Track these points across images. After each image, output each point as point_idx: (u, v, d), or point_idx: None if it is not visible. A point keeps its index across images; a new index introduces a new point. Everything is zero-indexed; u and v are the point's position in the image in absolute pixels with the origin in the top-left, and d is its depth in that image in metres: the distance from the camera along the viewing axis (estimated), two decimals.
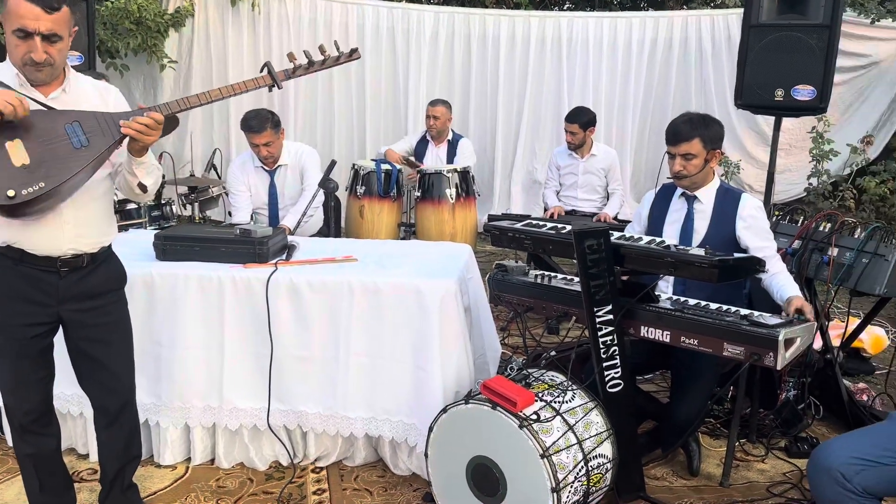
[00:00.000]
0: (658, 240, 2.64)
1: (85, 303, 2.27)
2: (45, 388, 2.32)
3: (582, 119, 5.14)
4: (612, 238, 2.57)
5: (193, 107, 2.24)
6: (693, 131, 2.89)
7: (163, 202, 4.60)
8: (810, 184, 7.14)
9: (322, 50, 2.35)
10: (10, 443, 2.89)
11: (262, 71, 2.30)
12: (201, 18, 7.06)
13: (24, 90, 2.10)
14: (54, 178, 2.01)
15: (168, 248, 2.98)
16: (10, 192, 1.96)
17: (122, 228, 3.79)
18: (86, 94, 2.23)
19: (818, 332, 3.29)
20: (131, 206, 4.27)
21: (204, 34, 7.11)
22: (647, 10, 9.17)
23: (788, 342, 2.32)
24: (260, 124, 4.06)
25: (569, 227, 2.61)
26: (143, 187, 2.25)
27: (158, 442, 2.95)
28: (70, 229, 2.18)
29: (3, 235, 2.15)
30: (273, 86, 2.30)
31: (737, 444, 3.07)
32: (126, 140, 2.14)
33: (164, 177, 4.70)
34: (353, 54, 2.42)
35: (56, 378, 2.38)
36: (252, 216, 4.30)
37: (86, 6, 4.75)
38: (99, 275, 2.30)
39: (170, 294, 2.84)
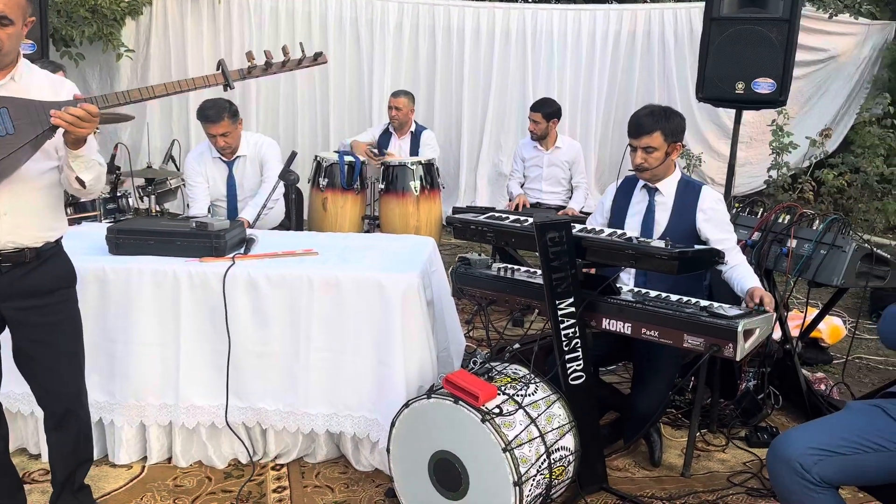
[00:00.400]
0: (619, 232, 2.64)
1: (28, 301, 2.18)
2: None
3: (545, 109, 5.14)
4: (573, 230, 2.56)
5: (134, 101, 2.14)
6: (655, 124, 2.89)
7: (118, 194, 4.48)
8: (770, 176, 7.25)
9: (285, 51, 2.25)
10: None
11: (217, 69, 2.20)
12: (159, 6, 6.89)
13: None
14: None
15: (121, 242, 2.90)
16: None
17: (75, 221, 3.68)
18: (38, 85, 2.14)
19: (777, 323, 3.33)
20: (85, 198, 4.15)
21: (162, 23, 6.94)
22: (612, 2, 9.20)
23: (748, 333, 2.34)
24: (217, 114, 3.98)
25: (531, 220, 2.60)
26: (81, 182, 2.14)
27: (113, 441, 2.87)
28: (7, 220, 2.09)
29: None
30: (226, 85, 2.21)
31: (698, 434, 3.09)
32: (61, 131, 2.04)
33: (119, 170, 4.62)
34: (317, 58, 2.31)
35: (5, 377, 2.30)
36: (210, 209, 4.21)
37: None
38: (44, 272, 2.20)
39: (123, 289, 2.76)
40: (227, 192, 4.22)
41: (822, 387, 3.67)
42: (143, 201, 4.77)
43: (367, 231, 5.04)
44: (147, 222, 3.20)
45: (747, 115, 7.09)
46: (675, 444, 3.19)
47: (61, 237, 2.28)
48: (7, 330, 2.23)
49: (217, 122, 3.99)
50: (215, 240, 2.89)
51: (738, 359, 2.34)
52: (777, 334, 3.36)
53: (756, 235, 3.31)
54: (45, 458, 2.85)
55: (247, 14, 7.10)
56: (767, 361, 3.36)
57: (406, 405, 2.51)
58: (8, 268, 2.13)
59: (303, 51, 2.28)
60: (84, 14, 6.04)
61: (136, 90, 2.13)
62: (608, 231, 2.63)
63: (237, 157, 4.18)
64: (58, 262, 2.27)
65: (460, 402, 2.37)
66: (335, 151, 5.15)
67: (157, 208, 4.86)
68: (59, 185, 2.22)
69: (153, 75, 6.98)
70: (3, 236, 2.09)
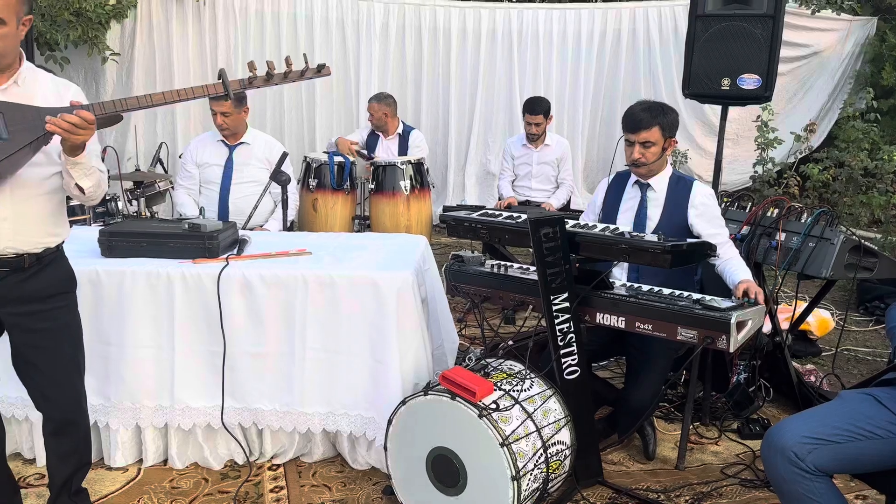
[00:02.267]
0: (612, 227, 2.66)
1: (28, 306, 2.16)
2: None
3: (544, 107, 5.17)
4: (567, 226, 2.58)
5: (131, 109, 2.13)
6: (653, 119, 2.91)
7: (107, 198, 4.46)
8: (756, 171, 7.32)
9: (287, 62, 2.23)
10: None
11: (218, 78, 2.18)
12: (144, 9, 6.85)
13: None
14: None
15: (114, 245, 2.89)
16: None
17: None
18: (42, 89, 2.13)
19: (767, 316, 3.36)
20: (74, 202, 4.12)
21: (147, 26, 6.90)
22: (596, 1, 9.25)
23: (740, 325, 2.37)
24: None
25: (524, 216, 2.61)
26: (80, 189, 2.14)
27: (108, 444, 2.86)
28: (8, 226, 2.07)
29: None
30: (226, 95, 2.19)
31: (691, 427, 3.12)
32: (58, 137, 2.02)
33: (108, 173, 4.59)
34: (321, 70, 2.28)
35: (0, 381, 2.28)
36: (201, 210, 4.20)
37: None
38: (44, 277, 2.19)
39: (117, 292, 2.75)
40: (223, 174, 4.19)
41: (813, 378, 3.71)
42: (132, 204, 4.74)
43: (358, 231, 5.04)
44: (139, 224, 3.19)
45: (733, 111, 7.12)
46: (669, 437, 3.21)
47: (62, 242, 2.26)
48: (5, 335, 2.22)
49: (221, 100, 4.01)
50: (208, 241, 2.88)
51: (731, 350, 2.36)
52: (767, 328, 3.40)
53: (745, 229, 3.34)
54: (39, 462, 2.84)
55: (232, 16, 7.08)
56: (758, 354, 3.40)
57: (403, 402, 2.52)
58: (6, 273, 2.11)
59: (306, 62, 2.26)
60: (69, 18, 5.99)
61: (134, 98, 2.12)
62: (601, 226, 2.65)
63: (240, 142, 4.20)
64: (58, 267, 2.25)
65: (457, 399, 2.38)
66: (324, 152, 5.14)
67: (147, 211, 4.84)
68: (61, 190, 2.20)
69: (138, 78, 6.93)
70: (2, 242, 2.08)
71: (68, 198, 2.27)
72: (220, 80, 2.17)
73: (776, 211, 3.27)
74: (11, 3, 1.97)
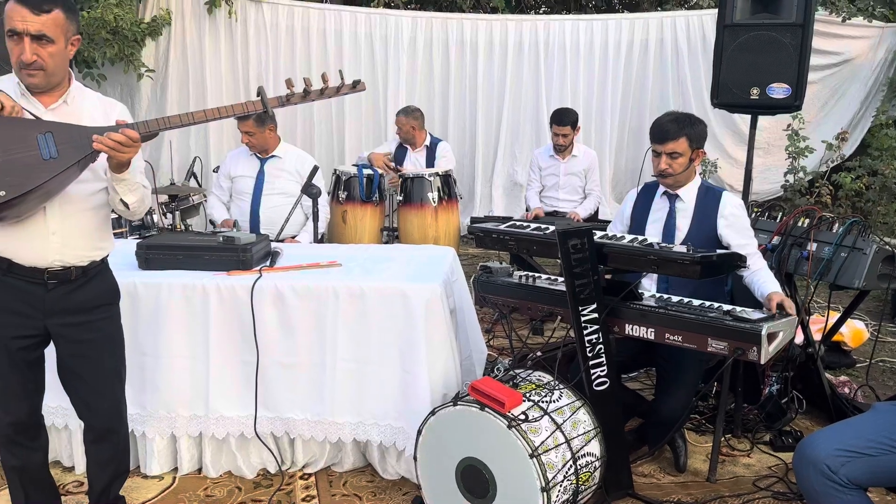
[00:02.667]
0: (641, 238, 2.66)
1: (74, 317, 2.23)
2: (33, 400, 2.29)
3: (571, 118, 5.18)
4: (595, 237, 2.59)
5: (174, 127, 2.19)
6: (680, 130, 2.91)
7: None
8: (787, 181, 7.24)
9: (324, 78, 2.29)
10: None
11: (257, 95, 2.25)
12: (178, 27, 7.01)
13: (23, 100, 2.10)
14: (17, 188, 1.98)
15: (151, 258, 2.96)
16: None
17: None
18: (89, 108, 2.22)
19: (799, 327, 3.33)
20: (111, 215, 4.24)
21: (181, 42, 7.06)
22: (623, 12, 9.25)
23: (771, 336, 2.36)
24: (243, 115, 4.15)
25: (552, 228, 2.63)
26: (125, 204, 2.22)
27: (145, 452, 2.92)
28: (56, 240, 2.15)
29: None
30: (265, 112, 2.26)
31: (722, 439, 3.10)
32: (104, 155, 2.10)
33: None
34: (356, 86, 2.34)
35: None
36: (235, 223, 4.29)
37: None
38: (89, 289, 2.26)
39: (154, 303, 2.82)
40: (255, 186, 4.32)
41: (846, 390, 3.66)
42: (166, 217, 4.84)
43: (387, 242, 5.08)
44: (175, 237, 3.26)
45: (764, 121, 7.08)
46: (700, 449, 3.19)
47: (107, 255, 2.34)
48: (52, 345, 2.29)
49: (244, 120, 4.18)
50: (242, 253, 2.94)
51: (762, 362, 2.35)
52: (799, 338, 3.36)
53: (776, 239, 3.32)
54: (78, 470, 2.90)
55: (263, 32, 7.21)
56: (790, 366, 3.36)
57: (432, 413, 2.54)
58: (54, 285, 2.19)
59: (342, 78, 2.33)
60: (105, 36, 6.16)
61: (176, 116, 2.18)
62: (629, 237, 2.66)
63: (272, 156, 4.33)
64: (103, 279, 2.33)
65: (486, 409, 2.40)
66: (354, 165, 5.20)
67: (181, 224, 4.93)
68: (107, 205, 2.27)
69: (172, 94, 7.09)
70: (50, 255, 2.16)
71: (112, 211, 2.34)
72: (259, 98, 2.23)
73: (807, 221, 3.24)
74: (61, 23, 2.06)
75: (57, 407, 2.79)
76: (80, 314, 2.24)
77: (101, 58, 6.25)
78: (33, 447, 2.34)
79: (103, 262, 2.33)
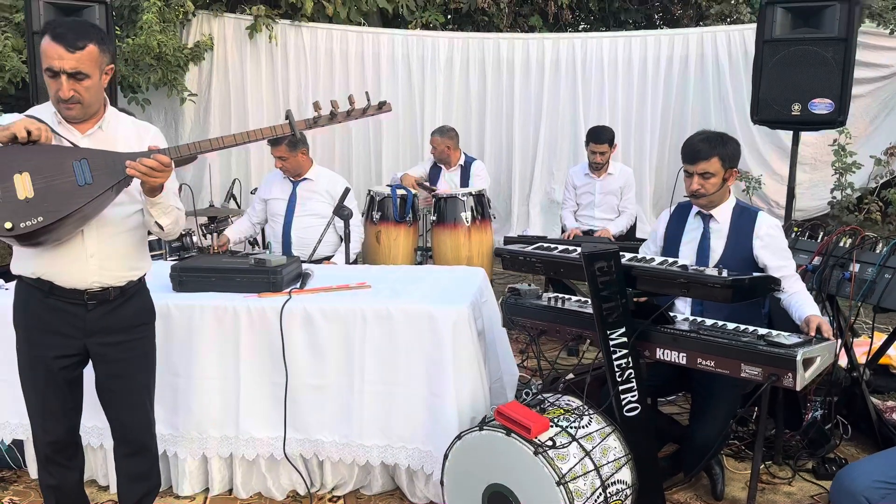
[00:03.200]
0: (671, 260, 2.61)
1: (112, 336, 2.30)
2: (71, 419, 2.36)
3: (608, 136, 5.15)
4: (623, 259, 2.55)
5: (205, 151, 2.25)
6: (712, 150, 2.86)
7: (182, 233, 4.66)
8: (834, 197, 7.04)
9: (350, 100, 2.33)
10: (34, 475, 2.95)
11: (285, 119, 2.30)
12: (220, 51, 7.18)
13: (60, 128, 2.18)
14: (54, 213, 2.05)
15: (184, 280, 3.01)
16: (8, 225, 2.01)
17: None
18: (124, 132, 2.29)
19: (843, 350, 3.22)
20: (151, 237, 4.34)
21: (223, 67, 7.23)
22: (662, 28, 9.16)
23: (807, 362, 2.27)
24: (277, 139, 4.21)
25: (579, 250, 2.59)
26: (159, 226, 2.28)
27: (177, 472, 2.96)
28: (94, 262, 2.22)
29: (32, 267, 2.21)
30: (292, 134, 2.31)
31: (762, 466, 3.00)
32: (137, 180, 2.16)
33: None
34: (382, 107, 2.38)
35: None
36: (268, 245, 4.36)
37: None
38: (127, 309, 2.33)
39: (186, 325, 2.86)
40: (287, 208, 4.41)
41: (895, 416, 3.51)
42: (206, 238, 4.93)
43: (420, 262, 5.09)
44: (208, 260, 3.32)
45: (810, 136, 6.92)
46: (739, 476, 3.09)
47: (144, 275, 2.41)
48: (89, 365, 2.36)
49: (276, 145, 4.28)
50: (272, 275, 2.97)
51: (797, 389, 2.27)
52: (843, 361, 3.25)
53: (817, 260, 3.22)
54: (113, 489, 2.95)
55: (303, 56, 7.33)
56: (834, 390, 3.25)
57: (458, 437, 2.52)
58: (94, 305, 2.26)
59: (368, 99, 2.37)
60: (150, 61, 6.34)
61: (207, 141, 2.25)
62: (659, 259, 2.61)
63: (304, 178, 4.41)
64: (140, 299, 2.40)
65: (513, 435, 2.36)
66: (388, 185, 5.24)
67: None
68: (143, 226, 2.35)
69: (214, 117, 7.25)
70: (89, 277, 2.23)
71: (148, 232, 2.42)
72: (287, 121, 2.27)
73: (849, 241, 3.14)
74: (95, 57, 2.13)
75: (93, 427, 2.84)
76: (118, 333, 2.31)
77: (146, 83, 6.43)
78: (70, 466, 2.40)
79: (140, 282, 2.40)
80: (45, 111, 2.23)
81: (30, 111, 2.26)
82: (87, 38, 2.10)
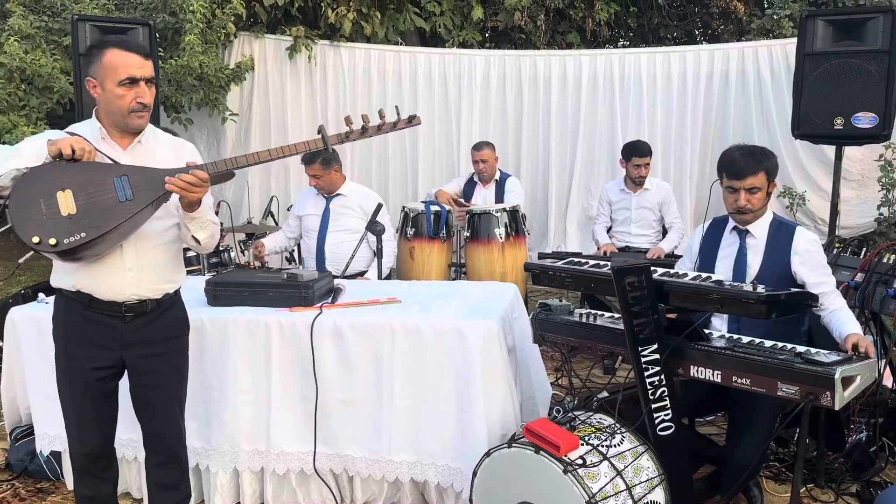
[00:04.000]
0: (705, 275, 2.55)
1: (148, 348, 2.35)
2: (106, 431, 2.40)
3: (649, 149, 5.17)
4: (655, 275, 2.50)
5: (241, 166, 2.32)
6: (758, 164, 2.81)
7: (221, 249, 4.74)
8: (881, 214, 6.84)
9: (380, 115, 2.38)
10: (71, 486, 3.00)
11: (318, 133, 2.36)
12: (260, 72, 7.31)
13: (103, 144, 2.27)
14: (96, 229, 2.12)
15: (219, 294, 3.06)
16: (52, 241, 2.08)
17: None
18: (161, 147, 2.37)
19: (888, 370, 3.10)
20: (190, 253, 4.43)
21: (263, 86, 7.36)
22: (702, 43, 9.06)
23: (847, 381, 2.20)
24: (310, 157, 4.37)
25: (609, 264, 2.56)
26: (196, 240, 2.34)
27: (209, 486, 2.98)
28: (132, 275, 2.28)
29: (72, 280, 2.28)
30: (325, 149, 2.37)
31: (803, 489, 2.90)
32: (175, 195, 2.23)
33: (221, 226, 4.91)
34: (412, 121, 2.43)
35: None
36: (301, 260, 4.42)
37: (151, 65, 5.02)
38: (163, 321, 2.39)
39: (220, 338, 2.90)
40: (320, 224, 4.48)
41: None
42: (244, 254, 5.01)
43: (454, 278, 5.08)
44: (242, 275, 3.36)
45: (857, 151, 6.75)
46: (779, 499, 3.00)
47: (179, 288, 2.46)
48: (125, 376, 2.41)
49: (310, 164, 4.38)
50: (304, 290, 3.00)
51: (836, 408, 2.19)
52: (889, 381, 3.13)
53: (859, 276, 3.12)
54: (147, 502, 2.98)
55: (341, 75, 7.43)
56: (879, 411, 3.13)
57: (487, 454, 2.49)
58: (131, 317, 2.32)
59: (397, 113, 2.42)
60: (192, 82, 6.49)
61: (242, 157, 2.31)
62: (692, 274, 2.56)
63: (337, 194, 4.48)
64: (175, 311, 2.45)
65: (542, 452, 2.33)
66: (422, 202, 5.26)
67: (258, 262, 5.08)
68: (179, 240, 2.41)
69: (255, 136, 7.38)
70: (127, 290, 2.29)
71: (186, 248, 2.47)
72: (320, 136, 2.33)
73: (893, 257, 3.04)
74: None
75: (128, 439, 2.89)
76: (154, 345, 2.37)
77: (188, 103, 6.58)
78: (104, 478, 2.44)
79: (176, 295, 2.46)
80: (86, 128, 2.31)
81: (71, 128, 2.34)
82: (147, 49, 2.27)
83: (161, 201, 2.24)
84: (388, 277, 4.34)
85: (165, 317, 2.39)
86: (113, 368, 2.34)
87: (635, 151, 5.12)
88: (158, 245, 2.34)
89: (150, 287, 2.32)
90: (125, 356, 2.34)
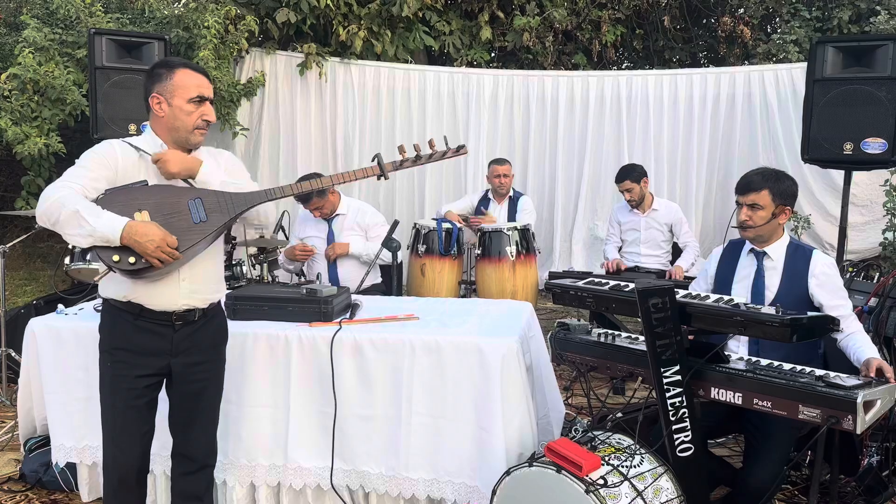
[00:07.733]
0: (727, 298, 2.58)
1: (194, 356, 2.43)
2: (144, 443, 2.44)
3: (632, 174, 5.12)
4: (677, 296, 2.53)
5: (304, 192, 2.53)
6: (763, 182, 2.88)
7: (233, 263, 4.76)
8: (886, 238, 6.88)
9: (431, 144, 2.53)
10: (86, 497, 3.01)
11: (372, 161, 2.50)
12: (271, 88, 7.38)
13: None
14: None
15: (239, 308, 3.07)
16: (132, 260, 2.16)
17: None
18: (204, 158, 2.45)
19: None
20: None
21: (273, 102, 7.42)
22: (708, 66, 9.15)
23: (868, 405, 2.22)
24: (306, 198, 4.50)
25: (632, 285, 2.58)
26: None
27: (225, 500, 2.97)
28: (185, 286, 2.36)
29: (123, 291, 2.33)
30: (381, 176, 2.48)
31: None
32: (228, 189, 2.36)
33: (234, 240, 4.94)
34: (459, 150, 2.57)
35: None
36: (317, 276, 4.44)
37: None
38: (208, 329, 2.47)
39: (239, 352, 2.91)
40: (327, 245, 4.60)
41: None
42: (255, 269, 5.02)
43: (464, 296, 5.10)
44: (262, 289, 3.37)
45: (864, 176, 6.82)
46: None
47: (221, 298, 2.55)
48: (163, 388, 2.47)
49: (307, 202, 4.52)
50: (324, 305, 3.02)
51: (858, 431, 2.21)
52: None
53: (873, 301, 3.15)
54: None
55: (351, 92, 7.49)
56: (892, 435, 3.14)
57: (507, 473, 2.49)
58: (180, 326, 2.39)
59: (446, 143, 2.55)
60: None
61: (307, 182, 2.53)
62: (714, 297, 2.58)
63: (336, 215, 4.59)
64: (218, 320, 2.55)
65: (563, 472, 2.34)
66: (433, 219, 5.29)
67: (269, 276, 5.10)
68: (222, 251, 2.53)
69: (264, 150, 7.44)
70: (180, 299, 2.36)
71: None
72: (376, 163, 2.47)
73: None
74: None
75: (155, 454, 2.83)
76: (200, 353, 2.45)
77: None
78: (138, 494, 2.47)
79: (219, 304, 2.54)
80: (148, 142, 2.37)
81: (133, 141, 2.37)
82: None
83: (231, 223, 2.36)
84: (399, 294, 4.36)
85: (210, 325, 2.48)
86: (158, 377, 2.41)
87: (617, 178, 5.19)
88: (209, 256, 2.43)
89: (200, 297, 2.41)
90: (172, 364, 2.41)
